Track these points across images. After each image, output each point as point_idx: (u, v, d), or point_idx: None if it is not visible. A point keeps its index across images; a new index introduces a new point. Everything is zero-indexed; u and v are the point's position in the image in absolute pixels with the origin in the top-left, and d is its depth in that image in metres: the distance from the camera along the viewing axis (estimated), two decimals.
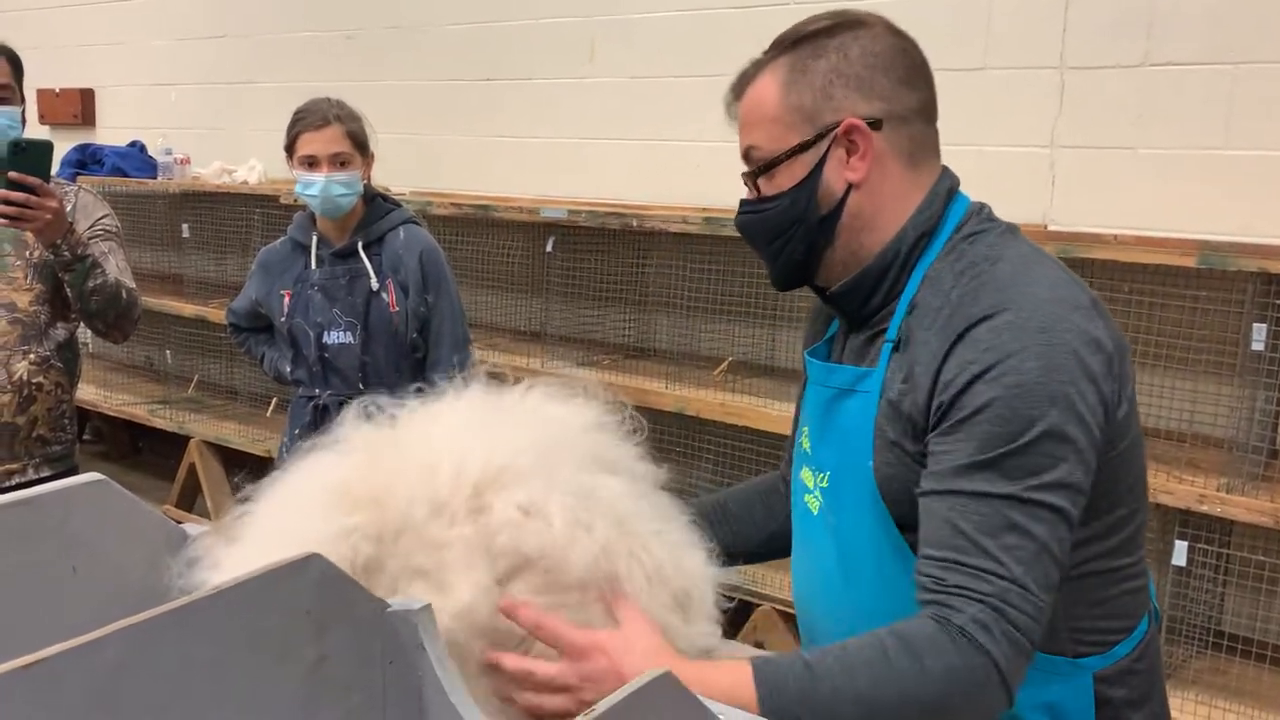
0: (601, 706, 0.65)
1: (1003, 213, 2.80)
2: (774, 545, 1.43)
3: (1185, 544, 2.39)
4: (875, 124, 1.16)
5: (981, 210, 1.22)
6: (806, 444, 1.28)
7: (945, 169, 1.23)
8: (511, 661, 1.01)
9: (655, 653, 0.99)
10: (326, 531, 0.99)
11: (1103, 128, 2.69)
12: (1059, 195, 2.76)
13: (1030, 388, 1.02)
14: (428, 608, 0.92)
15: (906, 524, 1.11)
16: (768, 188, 1.20)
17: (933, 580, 1.02)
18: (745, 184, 1.24)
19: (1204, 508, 2.30)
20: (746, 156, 1.22)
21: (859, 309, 1.21)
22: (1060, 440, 1.03)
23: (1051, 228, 2.72)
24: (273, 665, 0.83)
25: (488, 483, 1.03)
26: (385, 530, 1.01)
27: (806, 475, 1.27)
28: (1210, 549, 2.42)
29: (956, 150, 2.88)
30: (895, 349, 1.14)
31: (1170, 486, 2.33)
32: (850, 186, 1.17)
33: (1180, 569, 2.43)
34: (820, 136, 1.16)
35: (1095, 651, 1.17)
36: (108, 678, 0.72)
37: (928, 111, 1.22)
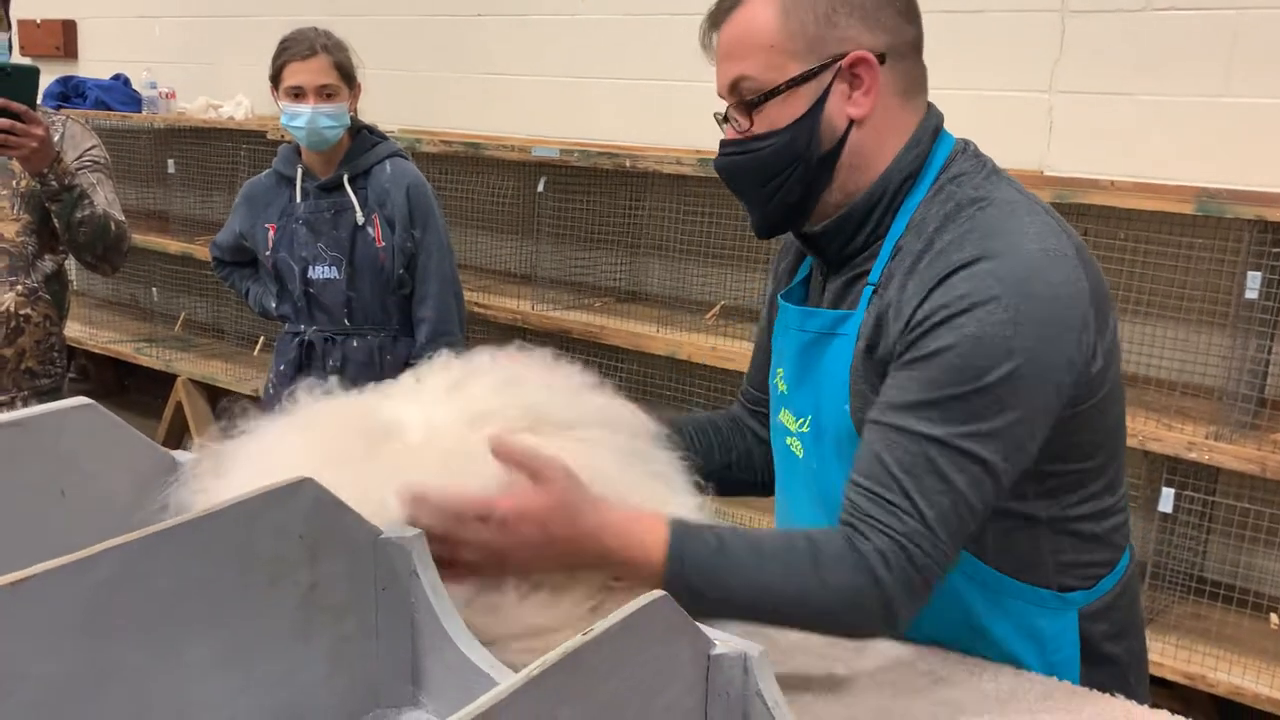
0: (598, 629, 0.65)
1: (999, 158, 2.76)
2: (726, 478, 1.37)
3: (1172, 491, 2.40)
4: (881, 58, 1.11)
5: (967, 148, 1.18)
6: (783, 386, 1.26)
7: (931, 105, 1.20)
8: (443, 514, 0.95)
9: (580, 503, 0.99)
10: None
11: (1102, 73, 2.66)
12: (1056, 141, 2.74)
13: (991, 339, 1.01)
14: (420, 535, 0.92)
15: None
16: (760, 124, 1.13)
17: (853, 505, 1.04)
18: (727, 121, 1.17)
19: (1192, 455, 2.31)
20: (733, 88, 1.14)
21: (839, 250, 1.18)
22: (1008, 394, 1.02)
23: (1048, 173, 2.70)
24: (266, 588, 0.82)
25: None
26: None
27: (787, 418, 1.24)
28: (1196, 496, 2.44)
29: (954, 93, 2.87)
30: (875, 292, 1.12)
31: (1159, 434, 2.34)
32: (852, 123, 1.12)
33: (1166, 516, 2.45)
34: (824, 67, 1.10)
35: (1081, 586, 1.19)
36: (98, 596, 0.71)
37: (920, 47, 1.17)
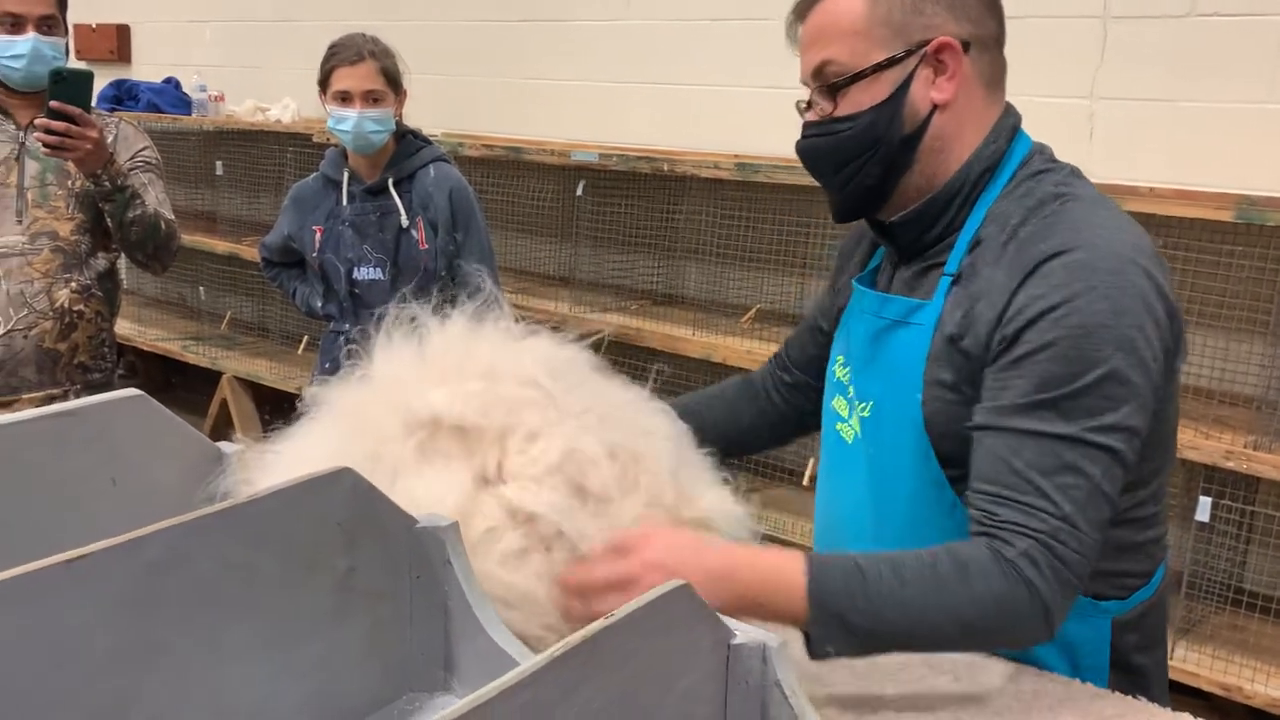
0: (620, 614, 0.67)
1: None
2: (733, 443, 1.39)
3: (1209, 500, 2.39)
4: (965, 45, 1.13)
5: (1044, 150, 1.20)
6: (843, 373, 1.27)
7: (1009, 105, 1.21)
8: (573, 578, 0.97)
9: (708, 550, 0.99)
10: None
11: (1144, 79, 2.65)
12: (1098, 147, 2.73)
13: (1096, 329, 1.02)
14: (454, 525, 0.94)
15: (951, 460, 1.12)
16: (845, 106, 1.14)
17: (985, 514, 1.03)
18: (810, 106, 1.19)
19: (1230, 464, 2.29)
20: (818, 73, 1.15)
21: (915, 240, 1.19)
22: (1121, 383, 1.02)
23: (1089, 179, 2.69)
24: (304, 573, 0.86)
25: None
26: None
27: (840, 404, 1.26)
28: (1234, 505, 2.42)
29: None
30: (954, 283, 1.13)
31: (1197, 442, 2.32)
32: (935, 108, 1.14)
33: (1203, 525, 2.44)
34: (909, 53, 1.12)
35: (1117, 596, 1.19)
36: (146, 576, 0.75)
37: (1002, 41, 1.19)
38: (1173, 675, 2.40)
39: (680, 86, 3.49)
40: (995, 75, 1.18)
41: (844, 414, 1.25)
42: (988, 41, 1.16)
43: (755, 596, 0.98)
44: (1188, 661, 2.40)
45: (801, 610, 0.99)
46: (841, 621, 0.98)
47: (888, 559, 1.02)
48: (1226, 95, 2.54)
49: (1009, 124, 1.18)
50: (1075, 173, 1.18)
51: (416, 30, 4.09)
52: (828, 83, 1.15)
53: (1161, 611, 1.27)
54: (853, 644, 1.00)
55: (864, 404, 1.21)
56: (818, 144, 1.18)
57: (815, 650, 1.01)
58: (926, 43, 1.12)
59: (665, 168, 3.16)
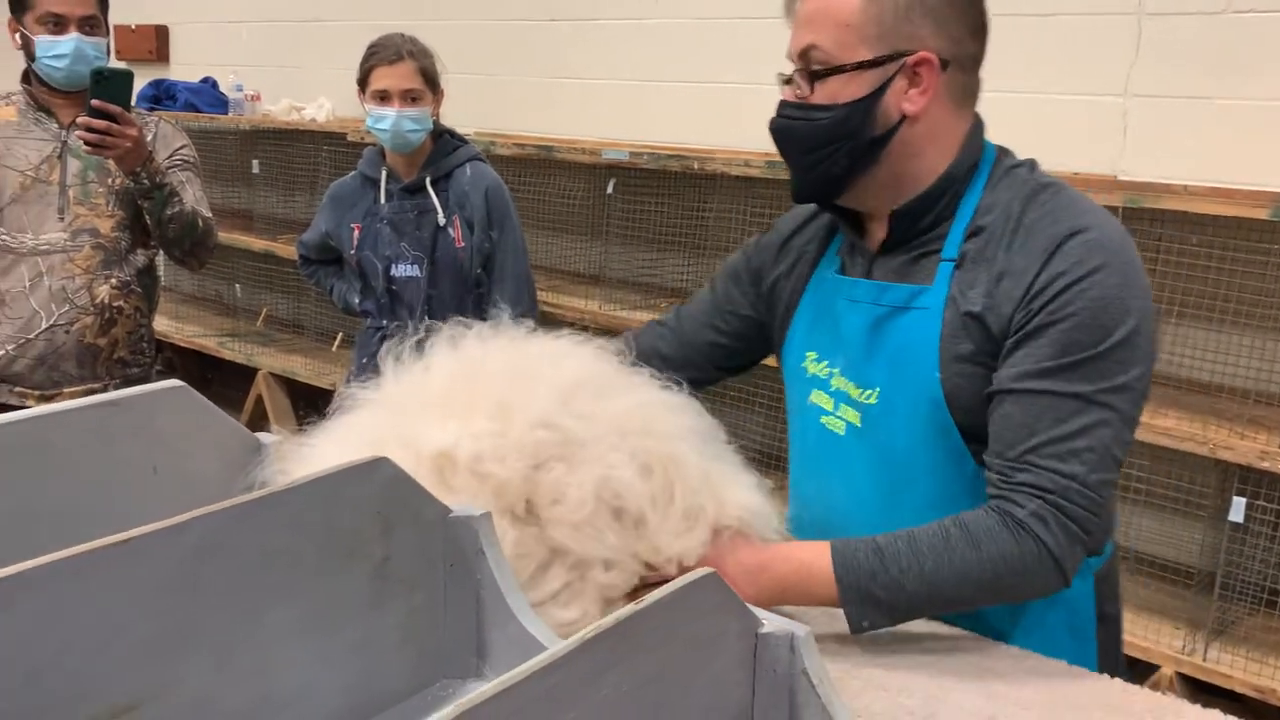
0: (649, 600, 0.69)
1: (1072, 162, 2.81)
2: None
3: (1243, 500, 2.37)
4: (944, 63, 1.18)
5: (1007, 150, 1.27)
6: (818, 368, 1.31)
7: (976, 114, 1.27)
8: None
9: (743, 547, 1.09)
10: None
11: (1179, 76, 2.63)
12: (1131, 145, 2.71)
13: (1111, 301, 1.10)
14: (488, 515, 0.96)
15: (973, 433, 1.17)
16: (821, 95, 1.18)
17: (1001, 478, 1.12)
18: (789, 83, 1.22)
19: (1265, 464, 2.27)
20: (803, 55, 1.19)
21: (909, 229, 1.23)
22: (1132, 349, 1.11)
23: (1121, 178, 2.67)
24: (342, 560, 0.87)
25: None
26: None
27: (820, 399, 1.30)
28: (1269, 506, 2.40)
29: (1026, 97, 2.86)
30: (957, 267, 1.19)
31: (1231, 442, 2.31)
32: (904, 118, 1.18)
33: (1236, 525, 2.42)
34: (890, 59, 1.16)
35: (1096, 552, 1.26)
36: (188, 560, 0.77)
37: (979, 62, 1.24)
38: (1206, 677, 2.39)
39: (710, 84, 3.50)
40: (967, 94, 1.24)
41: (828, 407, 1.29)
42: (965, 62, 1.21)
43: (793, 586, 1.11)
44: (1221, 663, 2.38)
45: (834, 593, 1.11)
46: (870, 598, 1.10)
47: (904, 536, 1.11)
48: (1263, 92, 2.52)
49: (979, 129, 1.25)
50: (1035, 165, 1.26)
51: (448, 29, 4.12)
52: (811, 68, 1.19)
53: (1117, 561, 1.36)
54: (884, 616, 1.12)
55: (867, 391, 1.24)
56: (791, 125, 1.22)
57: (854, 627, 1.12)
58: (908, 53, 1.16)
59: (695, 165, 3.17)
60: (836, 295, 1.30)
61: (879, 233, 1.27)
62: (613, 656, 0.66)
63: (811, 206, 1.36)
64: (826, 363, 1.30)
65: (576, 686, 0.63)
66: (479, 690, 0.58)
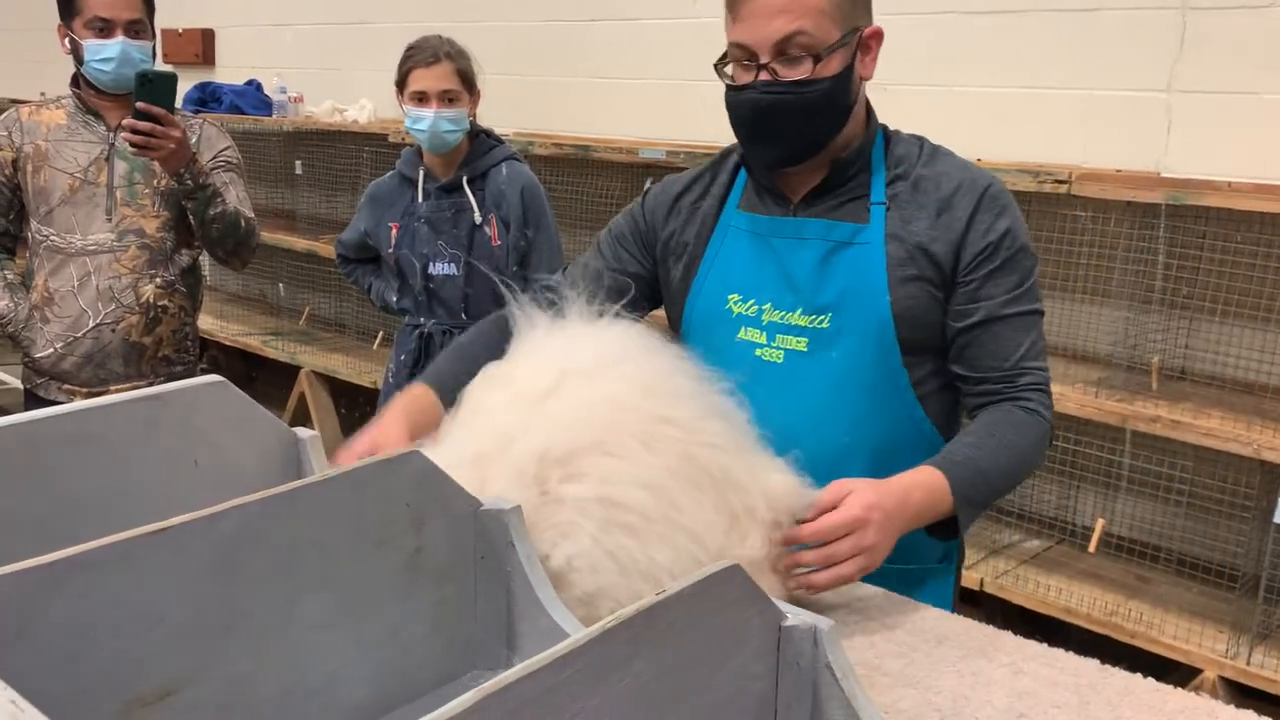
0: (672, 590, 0.70)
1: (1115, 158, 2.80)
2: None
3: None
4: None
5: None
6: (744, 307, 1.46)
7: None
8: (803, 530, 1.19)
9: (883, 490, 1.24)
10: None
11: (1224, 72, 2.59)
12: (1175, 141, 2.67)
13: (1027, 238, 1.43)
14: (518, 509, 0.97)
15: (910, 347, 1.41)
16: (815, 72, 1.36)
17: (1006, 383, 1.40)
18: (763, 69, 1.36)
19: None
20: (784, 41, 1.35)
21: (840, 178, 1.45)
22: (1035, 270, 1.44)
23: (1165, 174, 2.64)
24: (374, 551, 0.89)
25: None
26: None
27: (753, 334, 1.46)
28: None
29: (1069, 93, 2.84)
30: (888, 209, 1.42)
31: (1276, 443, 2.27)
32: (861, 82, 1.43)
33: None
34: (852, 33, 1.38)
35: None
36: (225, 549, 0.79)
37: None
38: (1249, 681, 2.35)
39: None
40: None
41: (760, 340, 1.46)
42: None
43: (926, 510, 1.28)
44: (1265, 667, 2.34)
45: (949, 507, 1.29)
46: (973, 503, 1.32)
47: (979, 444, 1.34)
48: None
49: None
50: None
51: (487, 30, 4.16)
52: (801, 53, 1.35)
53: None
54: (977, 514, 1.36)
55: (818, 317, 1.43)
56: (785, 101, 1.37)
57: (949, 535, 1.33)
58: (861, 28, 1.39)
59: None
60: (770, 237, 1.47)
61: (801, 185, 1.47)
62: (634, 646, 0.66)
63: (682, 175, 1.60)
64: (753, 301, 1.47)
65: (598, 675, 0.64)
66: (504, 673, 0.59)
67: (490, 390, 1.14)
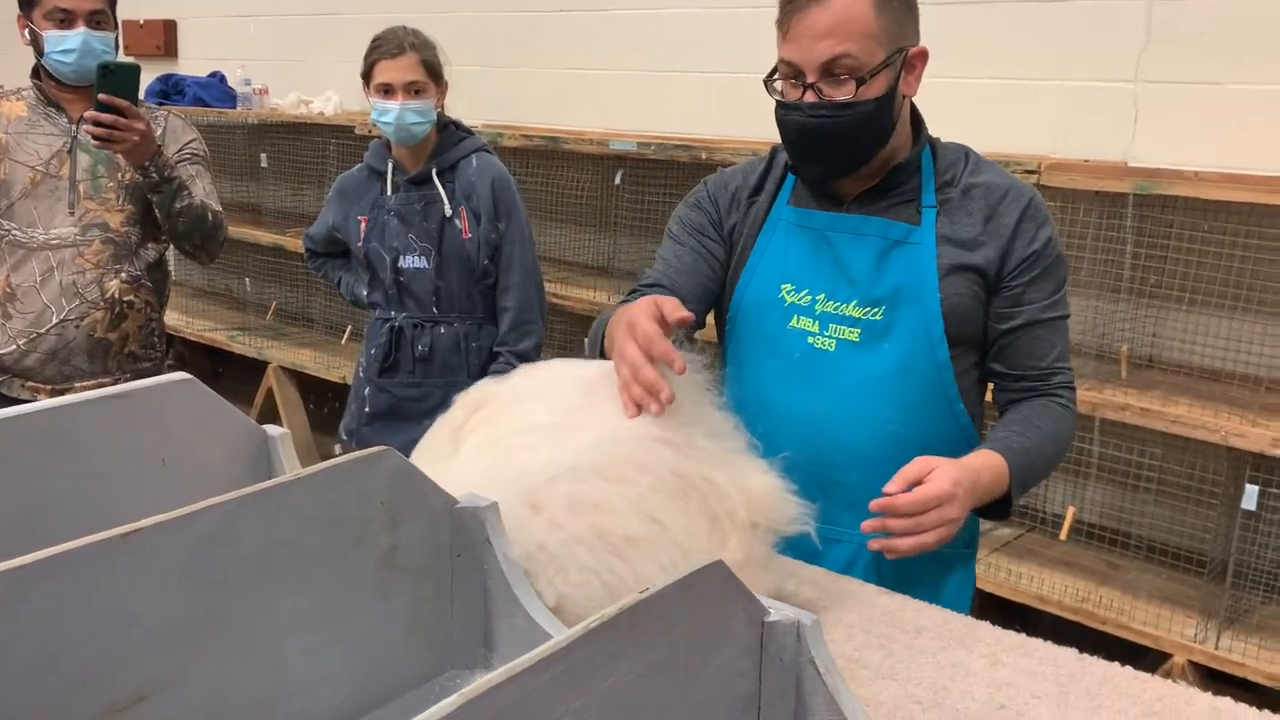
0: (655, 587, 0.69)
1: (1082, 148, 2.82)
2: None
3: (1256, 489, 2.36)
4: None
5: None
6: (805, 296, 1.52)
7: None
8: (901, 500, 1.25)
9: (963, 469, 1.31)
10: None
11: (1190, 62, 2.61)
12: (1142, 131, 2.69)
13: (1061, 247, 1.51)
14: (494, 505, 0.96)
15: (956, 343, 1.48)
16: (857, 94, 1.40)
17: (1042, 380, 1.50)
18: (810, 88, 1.41)
19: (1277, 452, 2.26)
20: (830, 63, 1.39)
21: (892, 183, 1.50)
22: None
23: (1132, 164, 2.66)
24: (349, 550, 0.88)
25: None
26: None
27: (805, 322, 1.52)
28: None
29: (1038, 84, 2.85)
30: (939, 213, 1.49)
31: (1243, 430, 2.30)
32: (904, 99, 1.47)
33: (1249, 513, 2.41)
34: (896, 54, 1.42)
35: None
36: (198, 550, 0.77)
37: None
38: (1218, 665, 2.38)
39: (718, 75, 3.49)
40: None
41: (813, 329, 1.52)
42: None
43: (988, 491, 1.36)
44: (1234, 651, 2.37)
45: (1005, 489, 1.38)
46: (1024, 486, 1.41)
47: (1027, 432, 1.44)
48: (1274, 76, 2.50)
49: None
50: None
51: (455, 21, 4.12)
52: (846, 74, 1.39)
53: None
54: (1023, 493, 1.43)
55: (873, 309, 1.49)
56: (829, 123, 1.42)
57: (1004, 515, 1.43)
58: (906, 48, 1.43)
59: (703, 156, 3.17)
60: (827, 232, 1.52)
61: (854, 188, 1.52)
62: (619, 645, 0.66)
63: (740, 168, 1.66)
64: (807, 291, 1.52)
65: (583, 675, 0.63)
66: (488, 676, 0.58)
67: (522, 401, 1.14)
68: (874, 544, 1.27)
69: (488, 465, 1.08)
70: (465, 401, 1.20)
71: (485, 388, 1.21)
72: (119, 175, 2.40)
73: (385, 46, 2.56)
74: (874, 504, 1.25)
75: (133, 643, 0.74)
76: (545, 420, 1.12)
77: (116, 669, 0.73)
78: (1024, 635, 1.19)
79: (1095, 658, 1.15)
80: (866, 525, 1.26)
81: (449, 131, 2.66)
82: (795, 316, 1.53)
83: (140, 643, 0.74)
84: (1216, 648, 2.39)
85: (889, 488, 1.26)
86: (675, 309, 1.22)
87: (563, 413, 1.14)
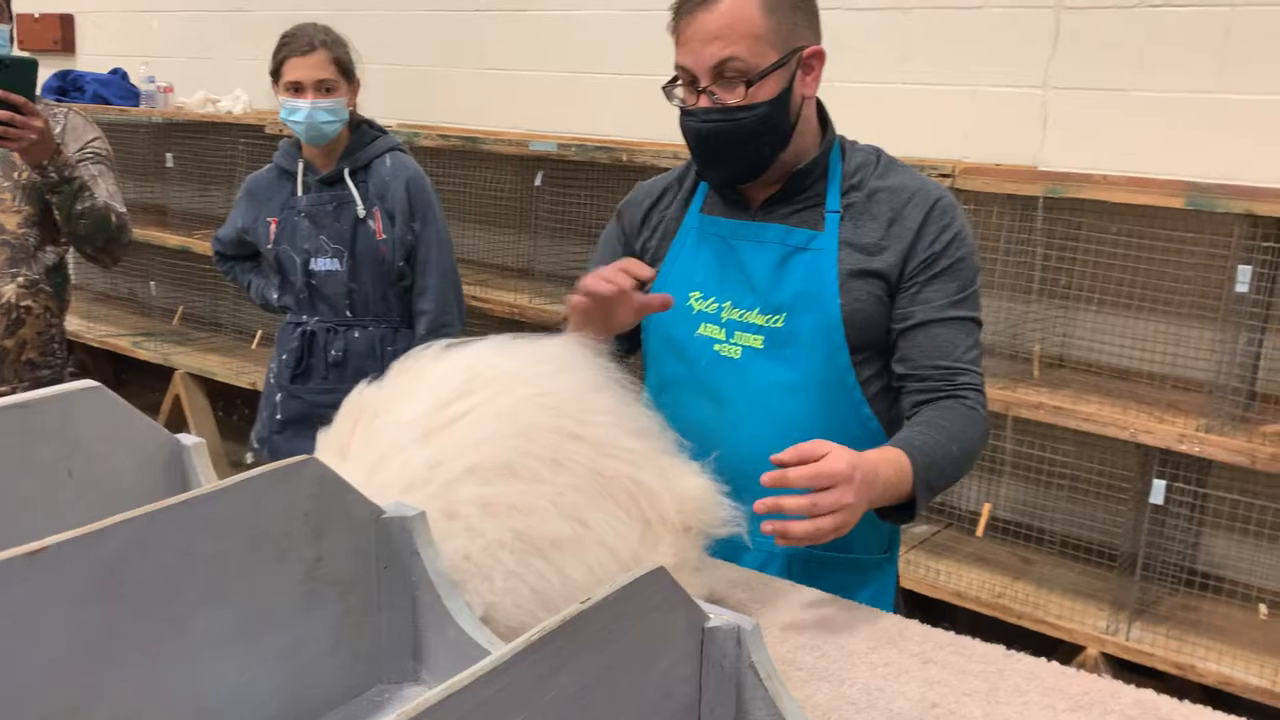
0: (596, 597, 0.67)
1: (994, 153, 2.88)
2: None
3: (1163, 483, 2.43)
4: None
5: None
6: (705, 304, 1.51)
7: None
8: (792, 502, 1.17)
9: (861, 457, 1.24)
10: None
11: (1097, 69, 2.68)
12: (1050, 137, 2.76)
13: (974, 248, 1.48)
14: (422, 515, 0.93)
15: (859, 348, 1.46)
16: (748, 97, 1.39)
17: (945, 381, 1.44)
18: (703, 92, 1.41)
19: (1183, 447, 2.33)
20: (719, 66, 1.39)
21: (797, 188, 1.49)
22: (977, 279, 1.49)
23: (1042, 168, 2.72)
24: (272, 563, 0.84)
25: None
26: None
27: (712, 330, 1.51)
28: (1187, 488, 2.46)
29: (950, 90, 2.90)
30: (842, 218, 1.47)
31: (1150, 426, 2.36)
32: (803, 100, 1.45)
33: (1157, 507, 2.48)
34: (791, 55, 1.40)
35: None
36: (109, 568, 0.73)
37: None
38: (1129, 656, 2.45)
39: (639, 77, 3.48)
40: None
41: (720, 337, 1.51)
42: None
43: (888, 487, 1.28)
44: (1143, 641, 2.44)
45: (909, 489, 1.31)
46: (930, 488, 1.34)
47: (933, 433, 1.37)
48: (1177, 84, 2.58)
49: (820, 103, 1.53)
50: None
51: (371, 19, 4.05)
52: (737, 77, 1.39)
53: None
54: (930, 497, 1.36)
55: (774, 316, 1.47)
56: (722, 127, 1.42)
57: (917, 514, 1.36)
58: (801, 49, 1.42)
59: (624, 158, 3.16)
60: (732, 239, 1.52)
61: (759, 193, 1.51)
62: (561, 656, 0.64)
63: (656, 183, 1.64)
64: (714, 298, 1.51)
65: (524, 688, 0.61)
66: (424, 696, 0.56)
67: (399, 400, 1.09)
68: (767, 525, 1.18)
69: (377, 475, 1.03)
70: (346, 411, 1.13)
71: (364, 394, 1.13)
72: (15, 175, 2.29)
73: (295, 44, 2.49)
74: (765, 477, 1.17)
75: (40, 667, 0.70)
76: (422, 418, 1.06)
77: (21, 697, 0.69)
78: (953, 633, 1.20)
79: (1022, 654, 1.17)
80: (759, 504, 1.17)
81: (362, 131, 2.60)
82: (703, 324, 1.52)
83: (48, 667, 0.70)
84: (1128, 639, 2.46)
85: (779, 457, 1.18)
86: (641, 267, 1.27)
87: (440, 407, 1.08)
